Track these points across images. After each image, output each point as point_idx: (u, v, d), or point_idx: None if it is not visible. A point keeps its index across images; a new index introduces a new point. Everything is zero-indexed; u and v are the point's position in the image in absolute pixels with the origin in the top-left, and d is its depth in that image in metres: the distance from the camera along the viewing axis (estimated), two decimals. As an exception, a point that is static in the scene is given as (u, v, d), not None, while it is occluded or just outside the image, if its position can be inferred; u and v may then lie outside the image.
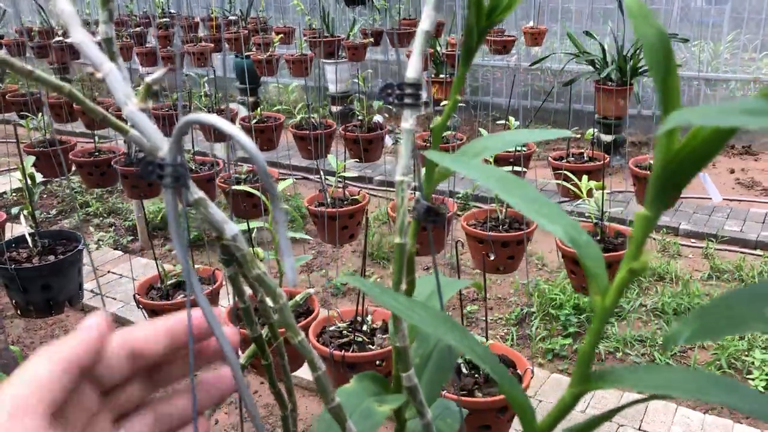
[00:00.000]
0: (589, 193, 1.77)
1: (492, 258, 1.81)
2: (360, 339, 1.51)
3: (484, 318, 3.05)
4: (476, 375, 1.45)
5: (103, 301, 1.75)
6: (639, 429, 2.47)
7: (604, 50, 4.83)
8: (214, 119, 0.30)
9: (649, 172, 2.00)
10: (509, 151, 2.29)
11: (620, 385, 0.28)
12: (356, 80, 3.23)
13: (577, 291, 1.87)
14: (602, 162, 2.21)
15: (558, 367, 2.86)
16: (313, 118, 2.93)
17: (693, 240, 3.91)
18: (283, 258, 0.31)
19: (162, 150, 0.32)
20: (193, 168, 2.42)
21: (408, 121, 0.36)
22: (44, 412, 0.32)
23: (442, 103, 2.76)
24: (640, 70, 4.80)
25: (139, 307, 1.75)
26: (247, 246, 0.33)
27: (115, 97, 0.32)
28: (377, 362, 1.43)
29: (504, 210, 1.99)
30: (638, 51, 4.70)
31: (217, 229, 0.33)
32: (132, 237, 4.13)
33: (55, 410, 0.33)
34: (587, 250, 0.27)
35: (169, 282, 1.84)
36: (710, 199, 4.19)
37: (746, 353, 2.84)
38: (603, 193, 1.71)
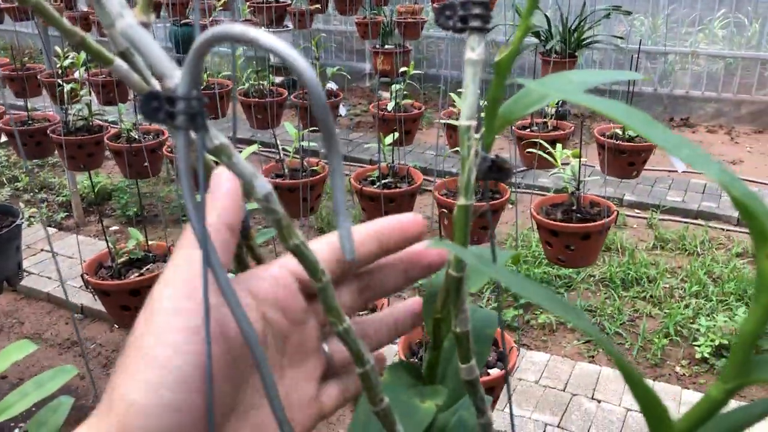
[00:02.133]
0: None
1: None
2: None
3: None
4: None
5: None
6: (591, 398, 2.49)
7: (549, 22, 4.83)
8: (251, 31, 0.22)
9: (616, 141, 1.99)
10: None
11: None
12: (304, 47, 3.12)
13: (552, 262, 1.84)
14: (568, 131, 2.18)
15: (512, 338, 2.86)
16: (263, 85, 2.81)
17: (637, 210, 3.97)
18: (338, 221, 0.24)
19: (172, 79, 0.24)
20: (137, 137, 2.27)
21: (475, 49, 0.29)
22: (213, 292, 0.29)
23: (400, 70, 2.67)
24: (584, 43, 4.83)
25: (87, 288, 1.62)
26: (281, 208, 0.26)
27: (107, 7, 0.23)
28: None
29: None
30: (582, 23, 4.71)
31: (244, 186, 0.25)
32: (66, 213, 3.92)
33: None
34: (752, 202, 0.21)
35: (120, 260, 1.71)
36: (672, 171, 4.27)
37: (692, 321, 2.90)
38: (579, 162, 1.68)
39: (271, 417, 0.31)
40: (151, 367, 0.27)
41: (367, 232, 0.34)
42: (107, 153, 2.48)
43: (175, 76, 0.24)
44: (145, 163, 2.25)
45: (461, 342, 0.30)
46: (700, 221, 3.79)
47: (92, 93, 2.51)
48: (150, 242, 1.77)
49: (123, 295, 1.62)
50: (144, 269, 1.71)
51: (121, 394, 0.28)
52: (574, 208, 1.77)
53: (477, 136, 0.30)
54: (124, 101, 2.87)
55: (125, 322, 1.72)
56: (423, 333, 1.51)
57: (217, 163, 0.36)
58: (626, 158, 2.05)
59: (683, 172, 4.40)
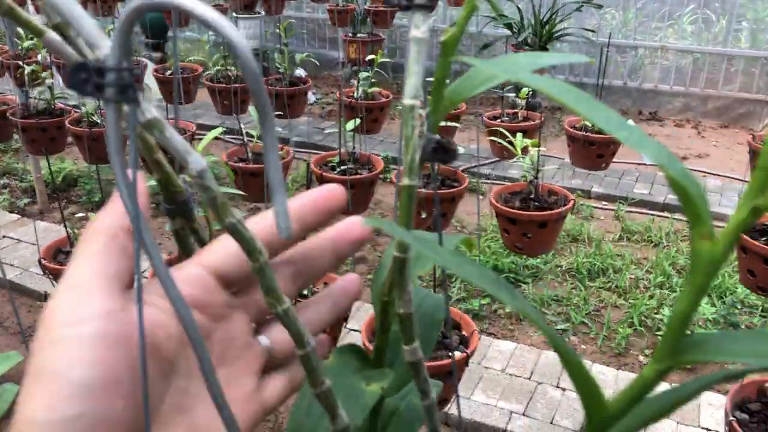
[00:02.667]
0: (524, 152, 1.75)
1: (424, 216, 1.76)
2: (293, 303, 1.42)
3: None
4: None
5: (2, 269, 1.59)
6: (557, 386, 2.52)
7: (521, 14, 4.85)
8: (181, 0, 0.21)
9: (586, 133, 2.00)
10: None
11: (720, 357, 0.22)
12: (274, 34, 3.08)
13: (511, 250, 1.85)
14: (537, 122, 2.20)
15: (479, 327, 2.88)
16: (230, 70, 2.78)
17: (605, 202, 4.02)
18: (274, 197, 0.23)
19: (102, 50, 0.23)
20: (99, 122, 2.23)
21: (419, 27, 0.28)
22: (107, 287, 0.28)
23: (367, 57, 2.65)
24: (555, 35, 4.86)
25: (45, 273, 1.59)
26: (216, 185, 0.25)
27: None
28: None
29: (436, 167, 1.94)
30: (554, 16, 4.74)
31: (180, 161, 0.24)
32: (30, 199, 3.85)
33: (122, 288, 0.29)
34: (688, 182, 0.21)
35: (78, 245, 1.68)
36: (639, 164, 4.32)
37: (656, 311, 2.95)
38: (539, 151, 1.69)
39: (205, 419, 0.30)
40: (50, 382, 0.26)
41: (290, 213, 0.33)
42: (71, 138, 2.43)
43: (105, 47, 0.23)
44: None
45: (405, 323, 0.30)
46: (665, 214, 3.84)
47: (56, 76, 2.45)
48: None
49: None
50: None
51: (22, 414, 0.26)
52: (532, 196, 1.80)
53: (423, 114, 0.30)
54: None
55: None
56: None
57: (165, 153, 0.35)
58: (595, 150, 2.07)
59: (651, 165, 4.46)
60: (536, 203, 1.79)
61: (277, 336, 0.34)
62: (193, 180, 0.25)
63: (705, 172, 4.38)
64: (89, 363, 0.26)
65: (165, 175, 0.34)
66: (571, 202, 1.77)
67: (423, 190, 1.82)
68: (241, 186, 1.94)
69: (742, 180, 4.19)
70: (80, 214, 3.71)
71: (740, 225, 0.20)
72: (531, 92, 2.40)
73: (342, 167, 2.11)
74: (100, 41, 0.23)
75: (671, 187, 0.22)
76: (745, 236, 1.68)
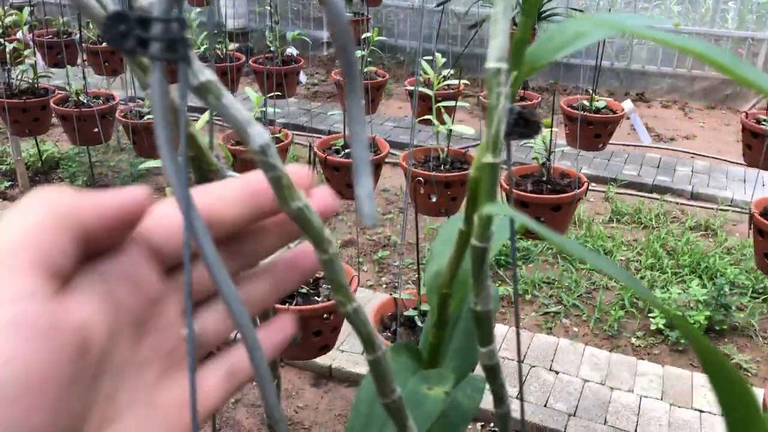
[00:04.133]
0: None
1: (434, 200, 1.71)
2: (304, 290, 1.39)
3: (396, 264, 3.01)
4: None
5: None
6: (550, 369, 2.51)
7: (509, -7, 4.79)
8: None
9: (583, 112, 1.96)
10: (442, 88, 2.20)
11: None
12: (255, 12, 3.00)
13: (521, 235, 1.82)
14: (536, 101, 2.16)
15: (471, 311, 2.86)
16: (219, 50, 2.71)
17: (594, 184, 4.00)
18: (356, 178, 0.19)
19: (146, -5, 0.19)
20: (86, 102, 2.16)
21: (508, -20, 0.24)
22: (38, 264, 0.22)
23: (363, 36, 2.60)
24: (544, 15, 4.81)
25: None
26: (282, 163, 0.21)
27: None
28: (325, 316, 1.32)
29: (445, 149, 1.88)
30: (543, -5, 4.70)
31: (239, 133, 0.20)
32: (11, 182, 3.76)
33: (58, 275, 0.23)
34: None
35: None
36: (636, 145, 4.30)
37: (647, 292, 2.94)
38: (552, 131, 1.65)
39: (133, 430, 0.25)
40: None
41: (242, 191, 0.26)
42: (55, 120, 2.36)
43: (150, -8, 0.19)
44: (96, 129, 2.14)
45: (482, 322, 0.26)
46: (655, 195, 3.84)
47: (38, 54, 2.38)
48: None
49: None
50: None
51: None
52: (545, 179, 1.75)
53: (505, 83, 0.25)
54: (73, 63, 2.73)
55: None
56: (395, 306, 1.47)
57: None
58: (593, 130, 2.03)
59: (642, 146, 4.45)
60: (549, 186, 1.74)
61: (205, 319, 0.28)
62: (255, 156, 0.20)
63: (693, 153, 4.38)
64: (10, 360, 0.20)
65: (198, 151, 0.30)
66: (585, 185, 1.73)
67: (431, 173, 1.76)
68: (237, 170, 1.88)
69: (729, 161, 4.19)
70: (63, 198, 3.63)
71: None
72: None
73: (346, 150, 2.06)
74: (144, -15, 0.19)
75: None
76: (763, 219, 1.66)
